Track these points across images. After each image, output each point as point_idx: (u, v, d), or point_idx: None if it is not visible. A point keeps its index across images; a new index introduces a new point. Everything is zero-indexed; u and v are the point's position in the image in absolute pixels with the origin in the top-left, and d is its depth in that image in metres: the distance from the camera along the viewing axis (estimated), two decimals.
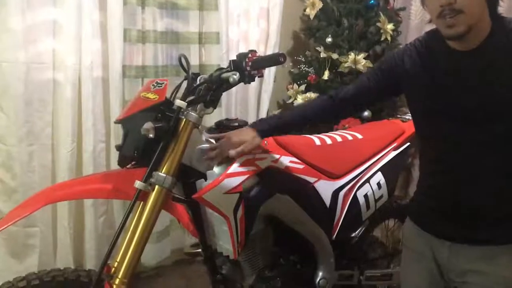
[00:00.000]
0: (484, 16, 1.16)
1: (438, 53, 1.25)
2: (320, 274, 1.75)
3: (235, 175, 1.44)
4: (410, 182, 2.89)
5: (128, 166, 1.45)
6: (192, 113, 1.40)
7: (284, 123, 1.55)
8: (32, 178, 2.24)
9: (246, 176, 1.47)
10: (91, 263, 2.38)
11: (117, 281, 1.31)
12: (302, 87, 2.72)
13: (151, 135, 1.31)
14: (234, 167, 1.45)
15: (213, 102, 1.43)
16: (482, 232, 1.21)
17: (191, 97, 1.42)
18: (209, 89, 1.41)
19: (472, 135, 1.19)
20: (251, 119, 2.84)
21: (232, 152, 1.43)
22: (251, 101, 2.99)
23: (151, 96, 1.39)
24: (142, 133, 1.31)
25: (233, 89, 2.86)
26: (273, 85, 2.98)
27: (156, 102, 1.38)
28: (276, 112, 2.94)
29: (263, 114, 2.99)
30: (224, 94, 2.77)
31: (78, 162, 2.35)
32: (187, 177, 1.48)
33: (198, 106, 1.42)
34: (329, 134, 1.89)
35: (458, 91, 1.20)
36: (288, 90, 2.85)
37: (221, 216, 1.45)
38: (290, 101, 2.79)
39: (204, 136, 1.52)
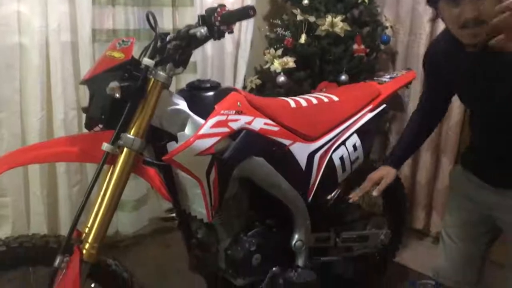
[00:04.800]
0: None
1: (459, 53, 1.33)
2: (296, 236, 1.75)
3: (206, 137, 1.40)
4: (387, 146, 2.90)
5: (96, 129, 1.41)
6: (161, 73, 1.35)
7: (407, 147, 1.75)
8: (1, 147, 2.18)
9: (218, 138, 1.43)
10: (66, 232, 2.34)
11: (87, 245, 1.28)
12: (279, 52, 2.66)
13: (117, 95, 1.26)
14: (206, 129, 1.41)
15: (183, 61, 1.38)
16: None
17: (160, 57, 1.37)
18: (178, 47, 1.36)
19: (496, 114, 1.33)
20: (228, 85, 2.79)
21: (375, 193, 1.66)
22: (228, 67, 2.92)
23: (116, 54, 1.33)
24: (107, 93, 1.26)
25: (209, 54, 2.84)
26: (250, 51, 2.92)
27: (122, 61, 1.32)
28: (253, 78, 2.89)
29: (240, 81, 2.94)
30: (199, 60, 2.78)
31: (48, 130, 2.29)
32: (158, 139, 1.44)
33: (168, 65, 1.37)
34: (305, 96, 1.86)
35: (480, 87, 1.32)
36: (265, 55, 2.79)
37: (194, 179, 1.42)
38: (267, 66, 2.73)
39: (176, 98, 1.47)
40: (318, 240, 1.86)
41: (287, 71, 2.62)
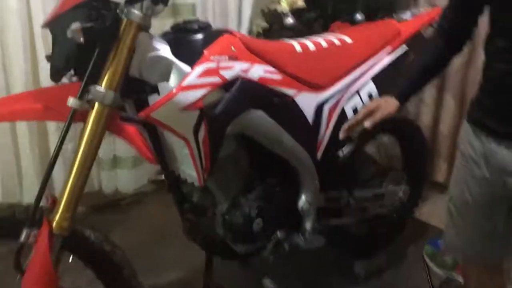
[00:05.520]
0: None
1: None
2: (303, 197, 1.58)
3: (192, 88, 1.19)
4: None
5: (65, 81, 1.21)
6: (135, 11, 1.12)
7: (418, 77, 1.41)
8: None
9: (207, 89, 1.22)
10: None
11: (57, 216, 1.11)
12: None
13: (81, 39, 1.05)
14: (192, 78, 1.20)
15: None
16: None
17: None
18: None
19: None
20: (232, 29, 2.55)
21: (367, 123, 1.34)
22: (231, 10, 2.68)
23: None
24: (69, 36, 1.05)
25: None
26: None
27: None
28: (259, 21, 2.63)
29: (245, 25, 2.69)
30: (199, 2, 2.51)
31: (34, 82, 2.12)
32: (138, 92, 1.24)
33: (144, 2, 1.14)
34: (313, 38, 1.63)
35: None
36: None
37: (180, 138, 1.23)
38: (273, 7, 2.48)
39: (157, 42, 1.25)
40: (328, 200, 1.69)
41: (296, 12, 2.39)
